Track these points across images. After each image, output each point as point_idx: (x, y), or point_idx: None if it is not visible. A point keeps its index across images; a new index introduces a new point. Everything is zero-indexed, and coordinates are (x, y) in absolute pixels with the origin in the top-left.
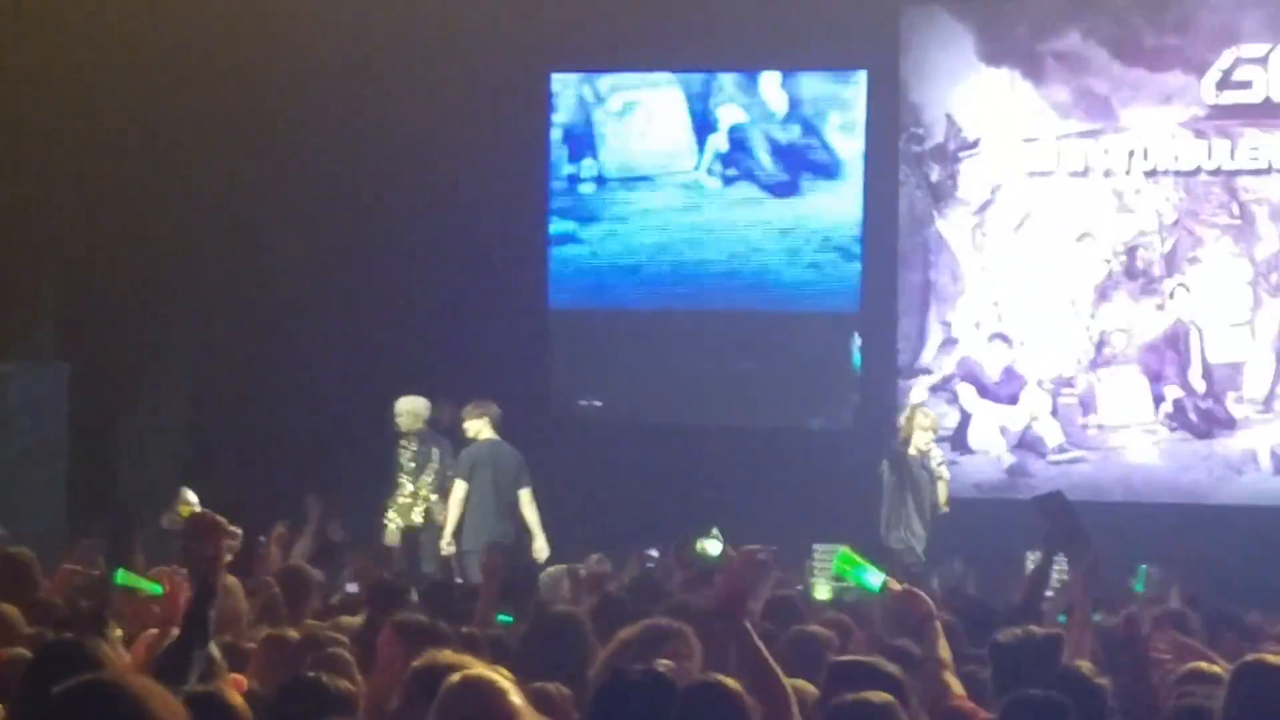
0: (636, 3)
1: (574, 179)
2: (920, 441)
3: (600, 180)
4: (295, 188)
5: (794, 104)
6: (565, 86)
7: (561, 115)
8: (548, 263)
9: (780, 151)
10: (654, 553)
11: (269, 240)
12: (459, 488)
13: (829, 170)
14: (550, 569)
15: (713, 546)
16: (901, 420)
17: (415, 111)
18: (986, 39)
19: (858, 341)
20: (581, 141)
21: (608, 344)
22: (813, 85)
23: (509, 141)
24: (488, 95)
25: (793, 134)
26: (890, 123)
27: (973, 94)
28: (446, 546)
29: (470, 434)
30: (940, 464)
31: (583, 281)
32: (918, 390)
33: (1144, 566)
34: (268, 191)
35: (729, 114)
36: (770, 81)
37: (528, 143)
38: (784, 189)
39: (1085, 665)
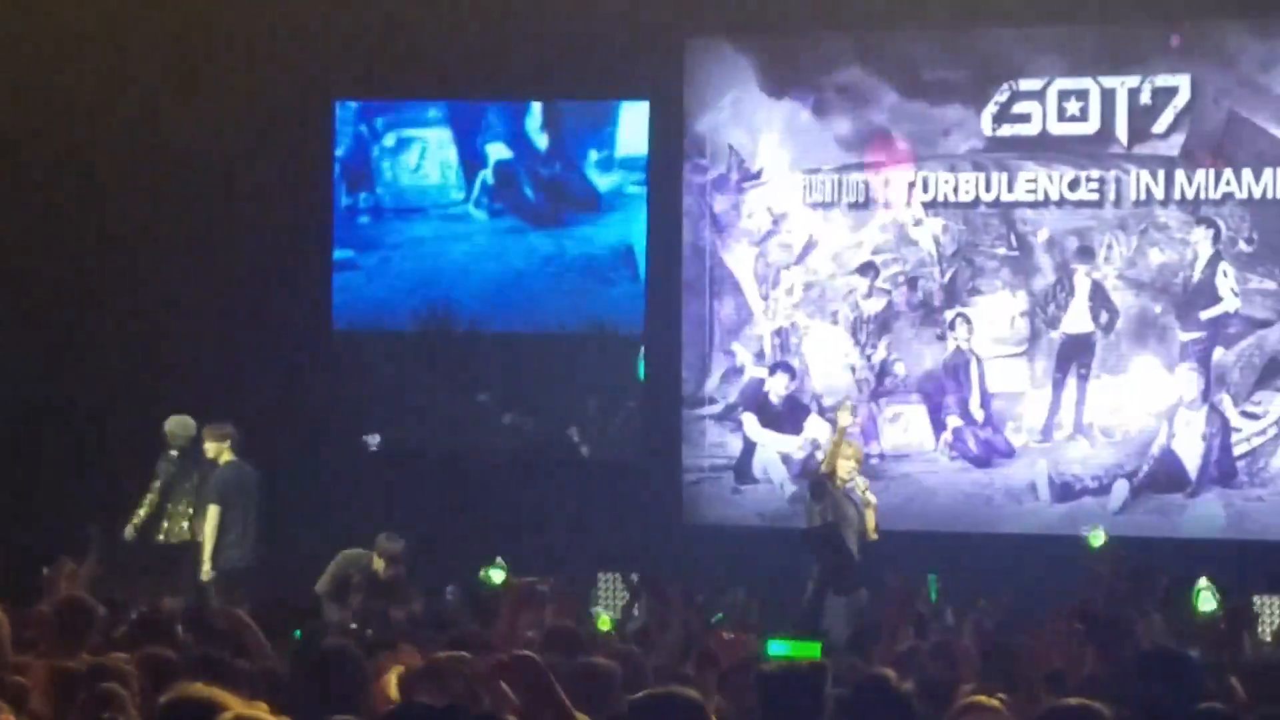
0: (421, 31)
1: (353, 209)
2: (844, 471)
3: (376, 211)
4: (78, 209)
5: (556, 140)
6: (345, 123)
7: (341, 149)
8: (331, 289)
9: (542, 186)
10: (451, 588)
11: (47, 262)
12: (213, 512)
13: (589, 203)
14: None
15: (496, 575)
16: (825, 450)
17: (205, 134)
18: (770, 71)
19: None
20: (359, 175)
21: (388, 368)
22: (576, 119)
23: (295, 166)
24: (276, 121)
25: (554, 169)
26: (674, 153)
27: (756, 125)
28: (207, 573)
29: (210, 455)
30: (865, 491)
31: (363, 307)
32: (813, 423)
33: (933, 575)
34: (48, 212)
35: (495, 150)
36: (535, 118)
37: (314, 168)
38: (547, 221)
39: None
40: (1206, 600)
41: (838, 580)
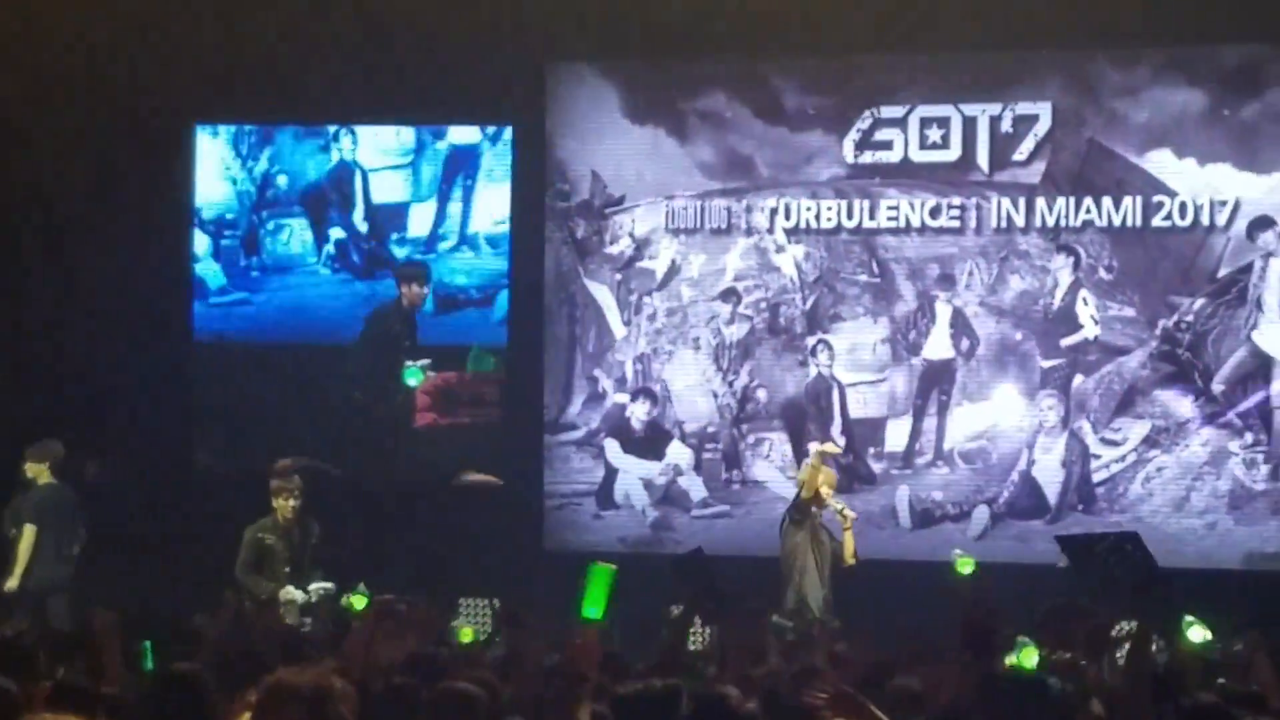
0: (283, 56)
1: (248, 267)
2: (825, 495)
3: (263, 268)
4: None
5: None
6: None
7: (236, 220)
8: (191, 313)
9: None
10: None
11: None
12: (29, 531)
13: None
14: None
15: (358, 601)
16: (802, 477)
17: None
18: (632, 97)
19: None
20: (251, 243)
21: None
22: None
23: (157, 185)
24: (137, 143)
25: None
26: (536, 179)
27: (618, 151)
28: (10, 588)
29: (30, 475)
30: (843, 510)
31: (247, 329)
32: (674, 449)
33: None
34: None
35: (335, 233)
36: (359, 210)
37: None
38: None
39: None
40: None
41: (704, 607)
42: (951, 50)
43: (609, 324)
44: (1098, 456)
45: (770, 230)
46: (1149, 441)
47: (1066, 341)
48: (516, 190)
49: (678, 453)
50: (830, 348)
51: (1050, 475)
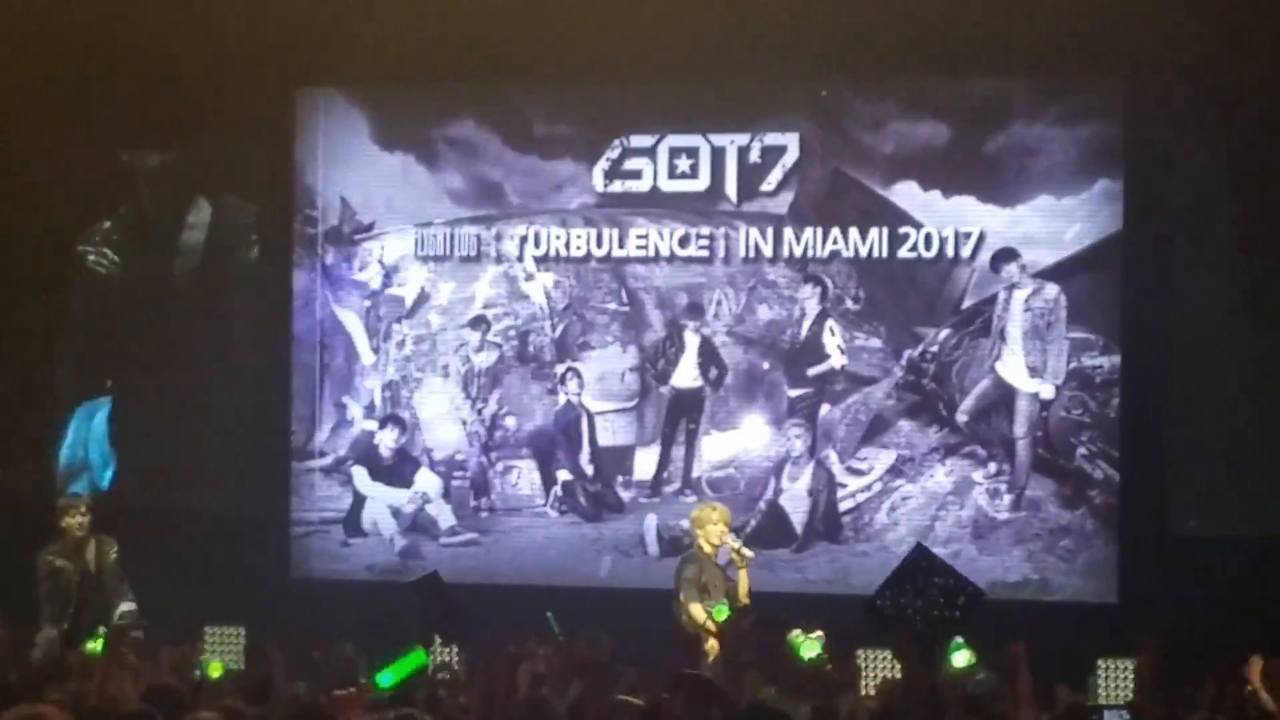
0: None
1: None
2: (714, 537)
3: None
4: None
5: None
6: None
7: None
8: None
9: None
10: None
11: None
12: None
13: None
14: None
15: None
16: (689, 520)
17: None
18: (381, 123)
19: None
20: None
21: None
22: None
23: None
24: None
25: None
26: (285, 205)
27: (368, 178)
28: None
29: None
30: (738, 550)
31: None
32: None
33: (549, 614)
34: None
35: None
36: None
37: None
38: None
39: None
40: (810, 647)
41: (444, 629)
42: (700, 80)
43: (357, 351)
44: (844, 485)
45: (520, 258)
46: (894, 471)
47: (813, 371)
48: (264, 217)
49: (426, 480)
50: (579, 376)
51: (797, 504)
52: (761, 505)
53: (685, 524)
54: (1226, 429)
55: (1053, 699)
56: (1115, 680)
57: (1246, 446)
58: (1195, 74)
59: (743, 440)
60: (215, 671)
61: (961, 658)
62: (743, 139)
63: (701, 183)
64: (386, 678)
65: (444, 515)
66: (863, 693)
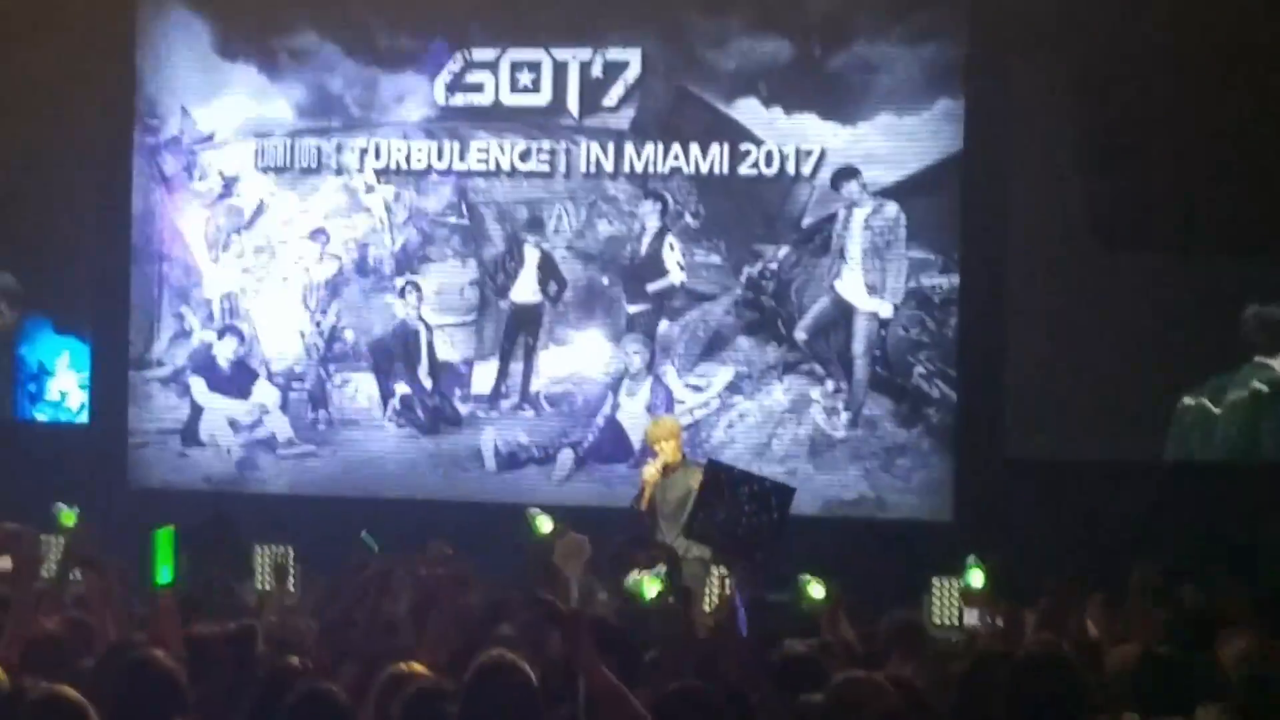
0: None
1: None
2: (669, 452)
3: None
4: None
5: None
6: None
7: None
8: None
9: None
10: None
11: None
12: None
13: None
14: None
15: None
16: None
17: None
18: (222, 33)
19: None
20: None
21: None
22: None
23: None
24: None
25: None
26: (125, 113)
27: (208, 87)
28: None
29: None
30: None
31: None
32: (261, 387)
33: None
34: None
35: None
36: None
37: None
38: None
39: None
40: (652, 585)
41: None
42: None
43: (196, 261)
44: (682, 401)
45: (360, 170)
46: (732, 388)
47: (653, 287)
48: (105, 125)
49: (264, 392)
50: (418, 289)
51: (635, 420)
52: (599, 421)
53: (524, 439)
54: (1064, 351)
55: None
56: (948, 600)
57: (1083, 370)
58: None
59: (581, 356)
60: (68, 520)
61: (816, 590)
62: (585, 54)
63: (543, 97)
64: (163, 575)
65: (281, 427)
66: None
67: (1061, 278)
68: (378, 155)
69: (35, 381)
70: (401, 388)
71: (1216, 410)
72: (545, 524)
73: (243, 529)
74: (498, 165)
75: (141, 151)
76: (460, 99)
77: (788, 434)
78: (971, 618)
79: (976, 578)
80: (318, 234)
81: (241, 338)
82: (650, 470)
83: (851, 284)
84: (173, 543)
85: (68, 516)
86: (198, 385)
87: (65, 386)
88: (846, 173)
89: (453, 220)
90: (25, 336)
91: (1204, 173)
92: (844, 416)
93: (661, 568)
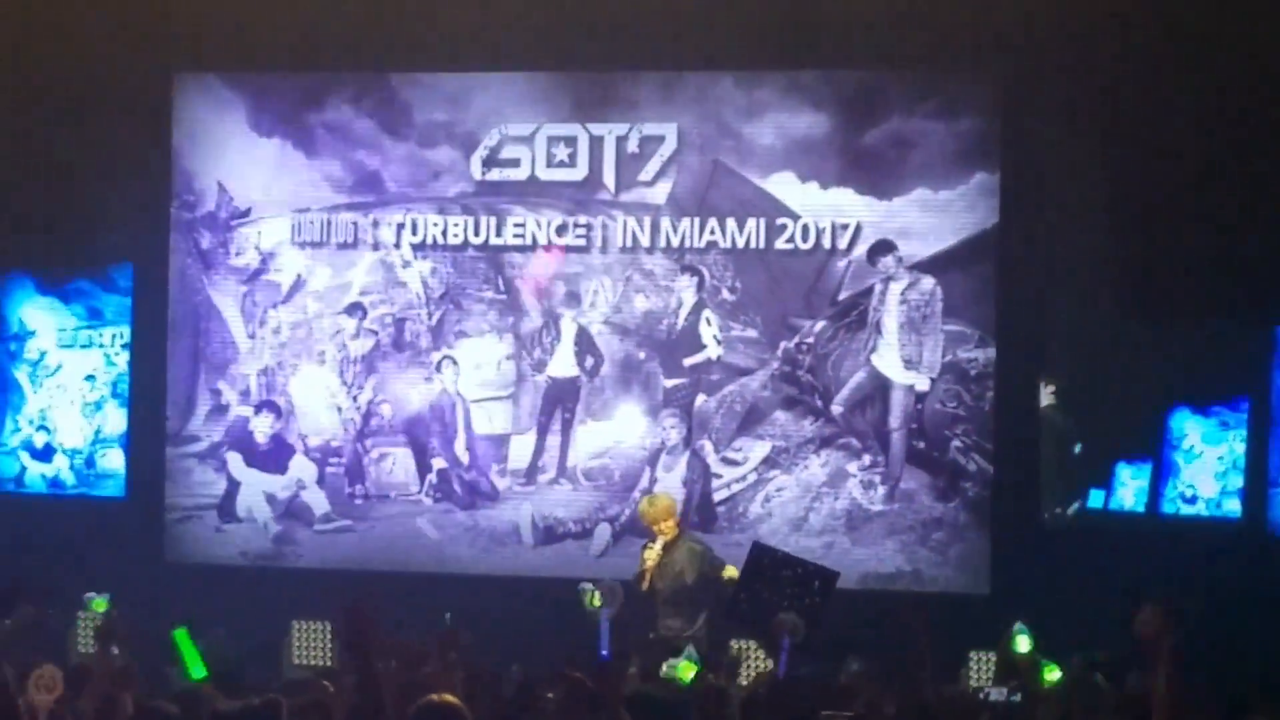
0: None
1: None
2: (668, 531)
3: None
4: None
5: None
6: None
7: None
8: None
9: None
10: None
11: None
12: None
13: None
14: None
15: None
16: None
17: None
18: (258, 108)
19: None
20: None
21: None
22: None
23: None
24: None
25: None
26: (162, 190)
27: (245, 162)
28: None
29: None
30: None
31: None
32: (298, 463)
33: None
34: None
35: None
36: None
37: None
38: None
39: None
40: (688, 670)
41: None
42: (578, 69)
43: (233, 336)
44: (719, 476)
45: (397, 245)
46: (769, 462)
47: (689, 361)
48: (141, 201)
49: (301, 467)
50: (455, 363)
51: (672, 494)
52: (636, 495)
53: (561, 513)
54: (1100, 422)
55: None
56: (985, 671)
57: (1120, 439)
58: (1071, 68)
59: (618, 430)
60: (99, 606)
61: (1023, 643)
62: (621, 128)
63: (580, 172)
64: (197, 672)
65: (318, 502)
66: (742, 680)
67: (1095, 349)
68: (414, 230)
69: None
70: (438, 462)
71: None
72: (597, 598)
73: (279, 604)
74: (534, 239)
75: (178, 227)
76: (496, 174)
77: (825, 508)
78: (996, 694)
79: (1023, 643)
80: (354, 309)
81: (279, 413)
82: (651, 553)
83: (888, 358)
84: (190, 639)
85: (99, 604)
86: (234, 460)
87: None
88: (882, 247)
89: (489, 294)
90: None
91: (1245, 238)
92: (881, 490)
93: (691, 650)
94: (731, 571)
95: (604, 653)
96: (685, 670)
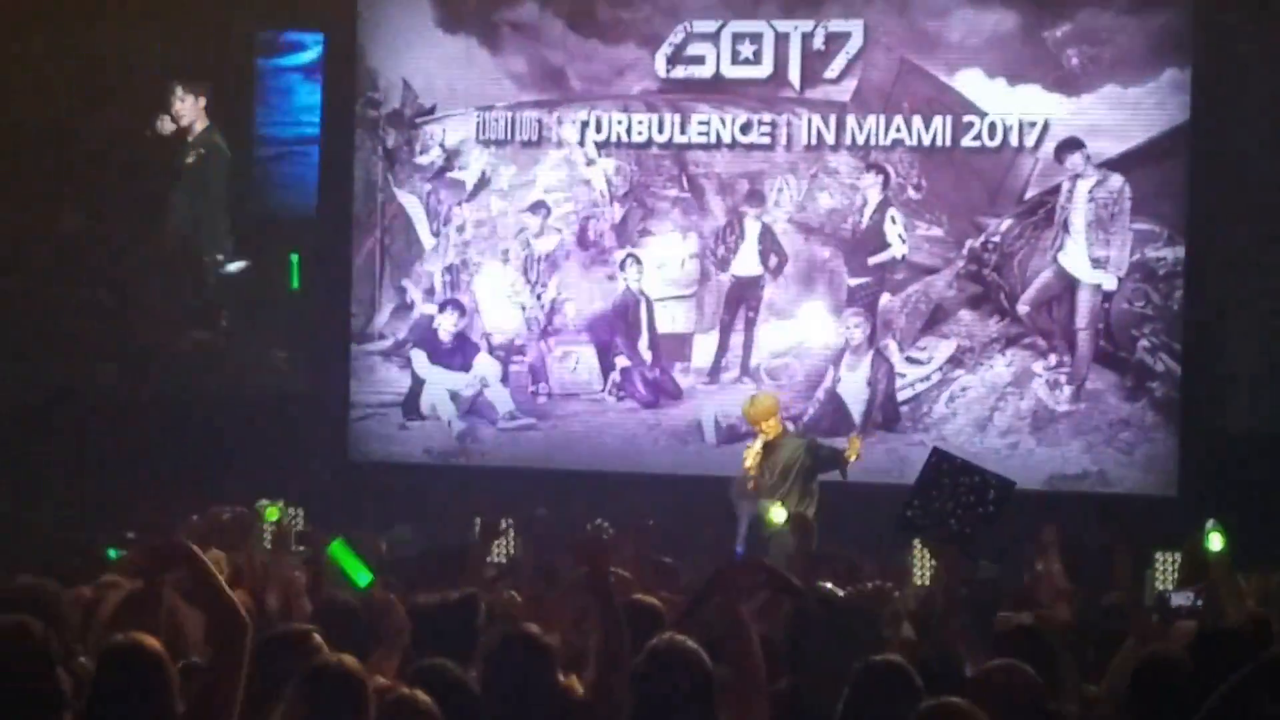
0: None
1: None
2: (771, 430)
3: None
4: None
5: None
6: None
7: None
8: None
9: None
10: None
11: None
12: None
13: None
14: None
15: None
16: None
17: None
18: (444, 6)
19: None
20: None
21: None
22: None
23: None
24: None
25: None
26: (347, 87)
27: (430, 61)
28: None
29: None
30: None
31: None
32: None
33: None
34: None
35: None
36: None
37: None
38: None
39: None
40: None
41: None
42: None
43: (418, 234)
44: (903, 375)
45: (581, 143)
46: (954, 361)
47: (874, 260)
48: (326, 99)
49: (485, 365)
50: (639, 262)
51: (855, 393)
52: (820, 394)
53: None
54: None
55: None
56: (1171, 574)
57: None
58: None
59: (802, 329)
60: (272, 515)
61: (1216, 540)
62: (807, 25)
63: (764, 69)
64: (363, 579)
65: (502, 400)
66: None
67: None
68: (599, 128)
69: None
70: (621, 361)
71: None
72: (779, 514)
73: (464, 500)
74: (718, 138)
75: (364, 124)
76: (681, 71)
77: (1009, 408)
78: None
79: (1216, 541)
80: (538, 207)
81: (463, 311)
82: (752, 453)
83: (1075, 257)
84: (347, 549)
85: (272, 512)
86: (419, 358)
87: None
88: (1070, 144)
89: (674, 193)
90: None
91: None
92: (1067, 390)
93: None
94: (855, 446)
95: (739, 549)
96: (776, 513)
